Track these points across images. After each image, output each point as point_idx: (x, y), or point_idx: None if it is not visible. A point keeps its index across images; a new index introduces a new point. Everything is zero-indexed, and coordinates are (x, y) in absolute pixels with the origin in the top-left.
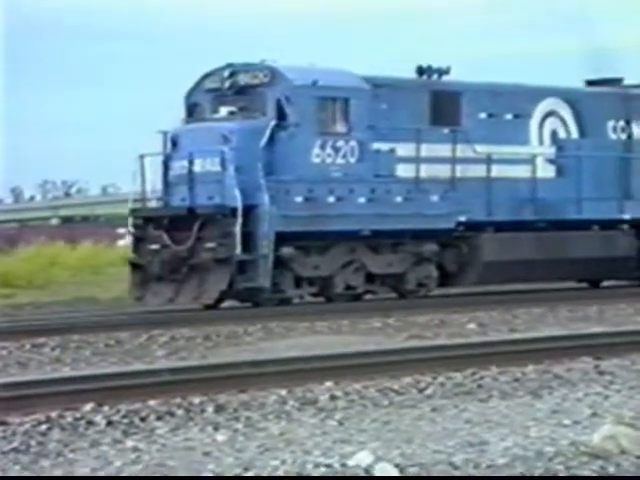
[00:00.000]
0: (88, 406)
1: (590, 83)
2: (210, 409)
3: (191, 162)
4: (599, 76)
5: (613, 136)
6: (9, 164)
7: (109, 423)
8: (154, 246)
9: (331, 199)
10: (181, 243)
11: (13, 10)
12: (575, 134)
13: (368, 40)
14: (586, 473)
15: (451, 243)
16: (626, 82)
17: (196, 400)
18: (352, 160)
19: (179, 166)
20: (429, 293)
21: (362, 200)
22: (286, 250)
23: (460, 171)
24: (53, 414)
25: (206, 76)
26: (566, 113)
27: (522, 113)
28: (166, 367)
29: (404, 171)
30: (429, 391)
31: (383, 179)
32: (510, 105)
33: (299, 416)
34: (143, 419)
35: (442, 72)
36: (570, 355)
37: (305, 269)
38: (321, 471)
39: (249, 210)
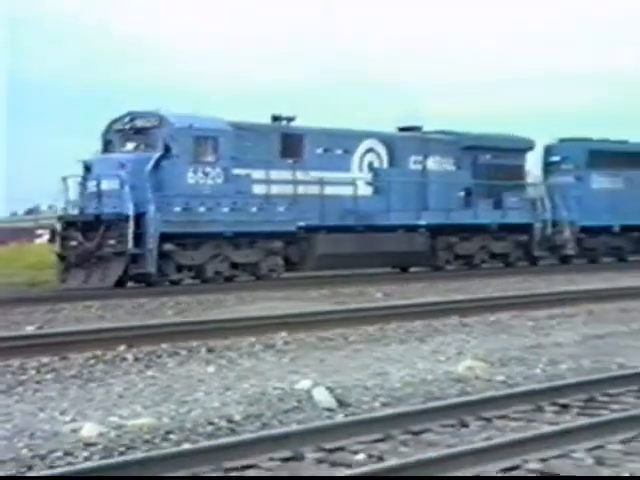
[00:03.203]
0: (122, 347)
1: (400, 129)
2: (203, 350)
3: (99, 182)
4: (406, 124)
5: (414, 167)
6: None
7: (136, 359)
8: (73, 243)
9: (202, 209)
10: (91, 241)
11: None
12: (387, 164)
13: None
14: (453, 392)
15: (294, 241)
16: (424, 129)
17: (194, 344)
18: (219, 181)
19: (92, 185)
20: (279, 276)
21: (226, 210)
22: (168, 246)
23: (301, 190)
24: (98, 352)
25: (114, 121)
26: (381, 150)
27: (349, 149)
28: (174, 322)
29: (258, 189)
30: (351, 339)
31: (242, 195)
32: (340, 143)
33: (263, 356)
34: (159, 356)
35: (290, 119)
36: (444, 314)
37: (184, 259)
38: (277, 393)
39: (140, 217)
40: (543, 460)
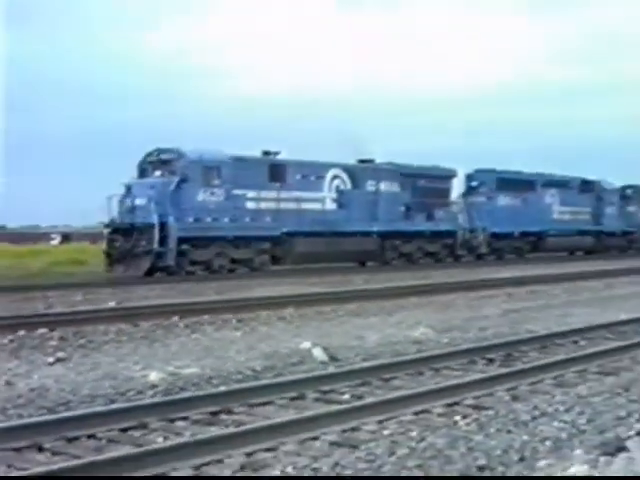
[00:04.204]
0: (176, 317)
1: (359, 161)
2: (234, 320)
3: (134, 199)
4: (362, 157)
5: (369, 189)
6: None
7: (185, 326)
8: (116, 244)
9: (209, 220)
10: (128, 242)
11: None
12: (349, 187)
13: None
14: (412, 350)
15: (278, 242)
16: (377, 161)
17: (227, 316)
18: (221, 199)
19: (129, 201)
20: (268, 269)
21: (227, 220)
22: (184, 246)
23: (283, 205)
24: (158, 321)
25: (147, 154)
26: (345, 176)
27: (320, 175)
28: (213, 299)
29: (252, 205)
30: (340, 313)
31: (239, 209)
32: (314, 171)
33: (276, 324)
34: (202, 325)
35: (276, 153)
36: (406, 295)
37: (195, 256)
38: (286, 351)
39: (163, 225)
40: (476, 397)
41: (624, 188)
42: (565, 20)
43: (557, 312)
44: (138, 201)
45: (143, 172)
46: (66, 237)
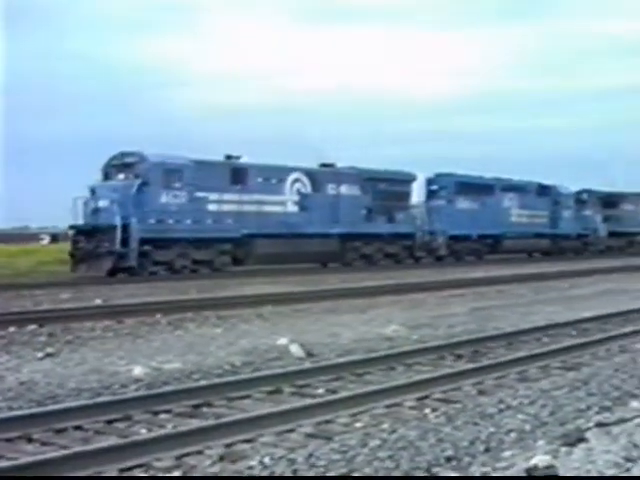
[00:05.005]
0: (159, 315)
1: (321, 165)
2: (214, 318)
3: (97, 201)
4: (324, 162)
5: (330, 192)
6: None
7: (168, 323)
8: (80, 244)
9: (171, 221)
10: (91, 243)
11: None
12: (310, 190)
13: None
14: (383, 347)
15: (239, 244)
16: (338, 165)
17: (208, 313)
18: (183, 201)
19: (93, 204)
20: (229, 270)
21: (189, 222)
22: (146, 247)
23: (245, 208)
24: (142, 318)
25: (112, 158)
26: (306, 180)
27: (281, 178)
28: (194, 298)
29: (213, 207)
30: (315, 310)
31: (201, 211)
32: (275, 174)
33: (255, 322)
34: (184, 322)
35: (238, 157)
36: (378, 294)
37: (158, 257)
38: (264, 347)
39: (126, 226)
40: (444, 392)
41: (579, 192)
42: (528, 32)
43: (522, 310)
44: (101, 203)
45: (107, 175)
46: (54, 237)
